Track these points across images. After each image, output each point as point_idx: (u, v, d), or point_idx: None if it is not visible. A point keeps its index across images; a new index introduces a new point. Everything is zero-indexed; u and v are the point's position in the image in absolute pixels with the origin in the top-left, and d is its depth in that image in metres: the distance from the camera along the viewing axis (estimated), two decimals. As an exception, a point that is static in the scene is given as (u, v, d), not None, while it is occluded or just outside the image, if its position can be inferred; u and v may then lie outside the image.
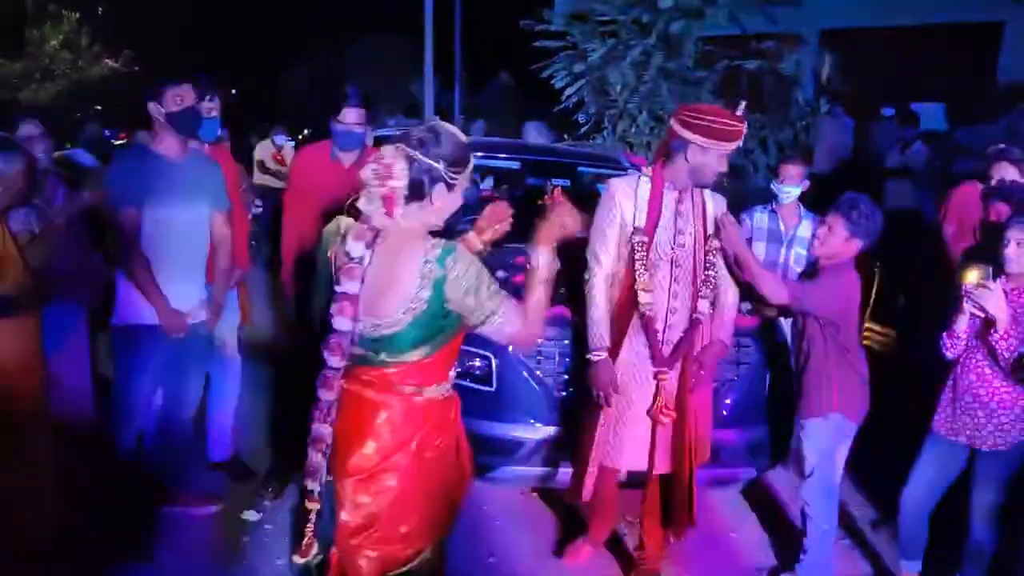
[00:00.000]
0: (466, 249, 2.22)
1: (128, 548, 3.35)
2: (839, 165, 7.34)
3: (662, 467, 3.23)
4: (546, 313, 2.33)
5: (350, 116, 3.83)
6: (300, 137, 11.42)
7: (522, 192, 5.54)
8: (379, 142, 4.19)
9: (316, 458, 2.23)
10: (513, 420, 3.64)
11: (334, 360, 2.18)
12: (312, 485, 2.25)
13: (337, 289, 2.16)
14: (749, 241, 4.42)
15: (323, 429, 2.22)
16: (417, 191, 2.15)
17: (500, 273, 2.35)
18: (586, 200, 4.88)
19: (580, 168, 5.45)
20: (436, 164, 2.15)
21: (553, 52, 7.28)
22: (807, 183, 4.57)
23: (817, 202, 4.62)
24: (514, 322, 2.22)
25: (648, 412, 3.17)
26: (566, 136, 7.77)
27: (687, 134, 2.99)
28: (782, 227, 4.58)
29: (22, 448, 2.93)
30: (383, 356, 2.21)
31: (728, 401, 3.75)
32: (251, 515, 3.79)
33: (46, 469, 3.01)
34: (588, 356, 3.17)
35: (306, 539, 2.31)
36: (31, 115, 3.22)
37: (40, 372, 3.03)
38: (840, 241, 3.25)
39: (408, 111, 13.21)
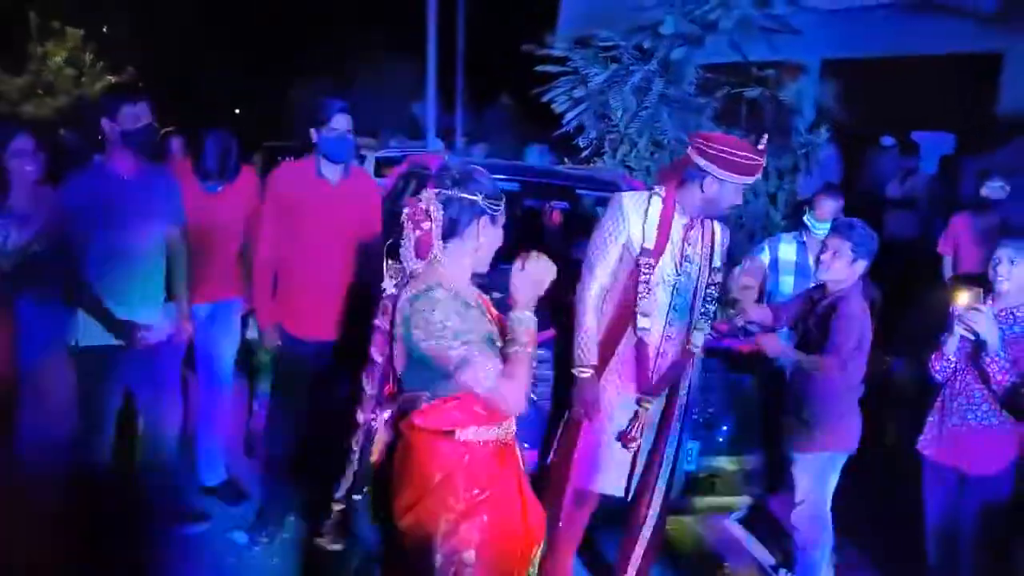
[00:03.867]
0: (444, 295, 2.07)
1: (109, 566, 3.29)
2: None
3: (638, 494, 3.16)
4: (542, 335, 2.26)
5: (342, 122, 3.56)
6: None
7: (521, 214, 5.53)
8: (381, 164, 4.15)
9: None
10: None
11: (371, 389, 2.22)
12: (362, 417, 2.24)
13: (376, 324, 2.19)
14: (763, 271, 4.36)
15: (363, 416, 2.24)
16: (455, 228, 2.14)
17: (496, 294, 2.30)
18: (586, 223, 4.90)
19: (579, 191, 5.44)
20: (475, 197, 2.14)
21: (554, 76, 7.30)
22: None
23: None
24: (483, 381, 2.04)
25: (619, 435, 3.06)
26: (566, 160, 7.77)
27: (705, 163, 2.91)
28: (811, 261, 4.25)
29: None
30: (407, 394, 2.20)
31: (724, 428, 3.72)
32: (239, 536, 3.73)
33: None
34: (573, 371, 3.07)
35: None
36: (23, 129, 3.17)
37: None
38: (845, 264, 3.28)
39: (410, 133, 13.24)
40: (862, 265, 3.30)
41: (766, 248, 4.47)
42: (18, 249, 3.06)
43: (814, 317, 3.38)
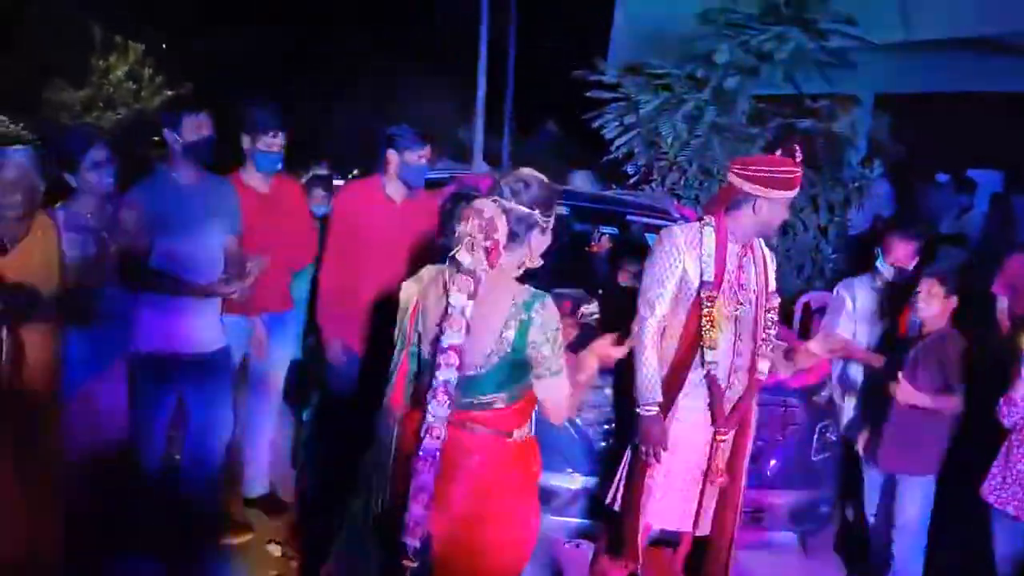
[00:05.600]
0: (553, 304, 2.29)
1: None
2: (881, 224, 7.24)
3: (704, 529, 3.12)
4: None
5: (424, 151, 3.80)
6: (350, 176, 11.59)
7: (568, 239, 5.52)
8: (429, 185, 4.22)
9: (418, 511, 2.19)
10: (551, 468, 3.56)
11: (441, 409, 2.19)
12: (413, 541, 2.19)
13: (442, 340, 2.20)
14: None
15: (427, 479, 2.19)
16: (514, 238, 2.28)
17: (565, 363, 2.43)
18: (635, 249, 4.88)
19: (628, 216, 5.42)
20: (532, 211, 2.29)
21: (604, 103, 7.32)
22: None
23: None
24: (563, 389, 2.33)
25: (703, 473, 3.04)
26: (614, 186, 7.77)
27: (751, 187, 2.93)
28: (886, 307, 4.11)
29: (27, 460, 2.89)
30: (471, 399, 2.26)
31: (773, 463, 3.66)
32: (274, 549, 3.74)
33: (48, 487, 2.97)
34: (638, 410, 3.02)
35: None
36: (100, 139, 3.23)
37: (51, 387, 3.01)
38: (940, 301, 3.49)
39: (455, 155, 13.35)
40: (954, 301, 3.51)
41: (847, 298, 4.19)
42: (92, 259, 3.12)
43: (918, 355, 3.54)
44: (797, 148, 2.99)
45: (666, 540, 3.30)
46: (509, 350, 2.24)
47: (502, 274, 2.29)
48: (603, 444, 3.58)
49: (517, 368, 2.28)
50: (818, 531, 3.94)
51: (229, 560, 3.67)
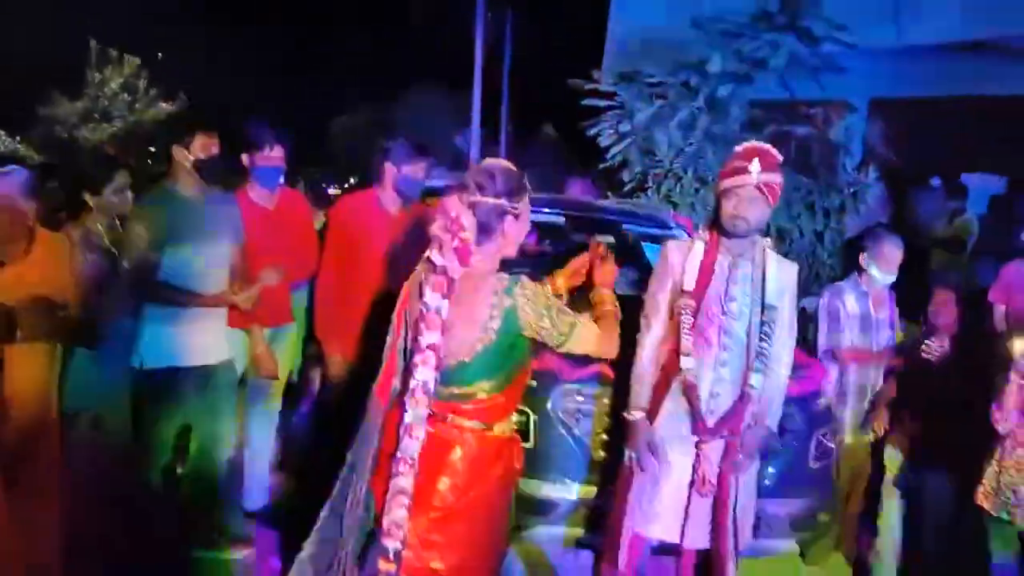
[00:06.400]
0: (530, 281, 2.32)
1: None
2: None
3: (696, 542, 3.05)
4: (586, 370, 2.60)
5: (421, 165, 3.85)
6: (347, 185, 11.62)
7: (564, 248, 5.53)
8: (425, 194, 4.25)
9: (399, 514, 2.19)
10: (549, 478, 3.58)
11: (419, 410, 2.20)
12: (392, 544, 2.19)
13: (420, 339, 2.20)
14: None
15: (406, 481, 2.19)
16: (487, 230, 2.28)
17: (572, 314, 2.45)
18: (630, 257, 4.89)
19: (624, 225, 5.43)
20: (498, 201, 2.27)
21: (600, 111, 7.35)
22: None
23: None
24: (594, 335, 2.41)
25: (689, 484, 3.01)
26: (609, 194, 7.80)
27: (719, 186, 3.01)
28: (872, 311, 4.17)
29: (27, 477, 2.90)
30: (453, 389, 2.27)
31: (771, 470, 3.66)
32: (275, 562, 3.73)
33: (51, 501, 2.98)
34: (624, 414, 3.08)
35: None
36: (123, 166, 3.28)
37: (51, 405, 3.01)
38: (952, 310, 3.75)
39: (452, 163, 13.38)
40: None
41: (841, 305, 4.18)
42: (107, 278, 3.15)
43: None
44: (752, 140, 3.03)
45: (668, 549, 3.28)
46: (494, 338, 2.25)
47: (482, 267, 2.30)
48: (601, 454, 3.58)
49: (501, 356, 2.28)
50: (817, 539, 3.94)
51: (230, 573, 3.66)
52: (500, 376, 2.31)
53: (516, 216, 2.33)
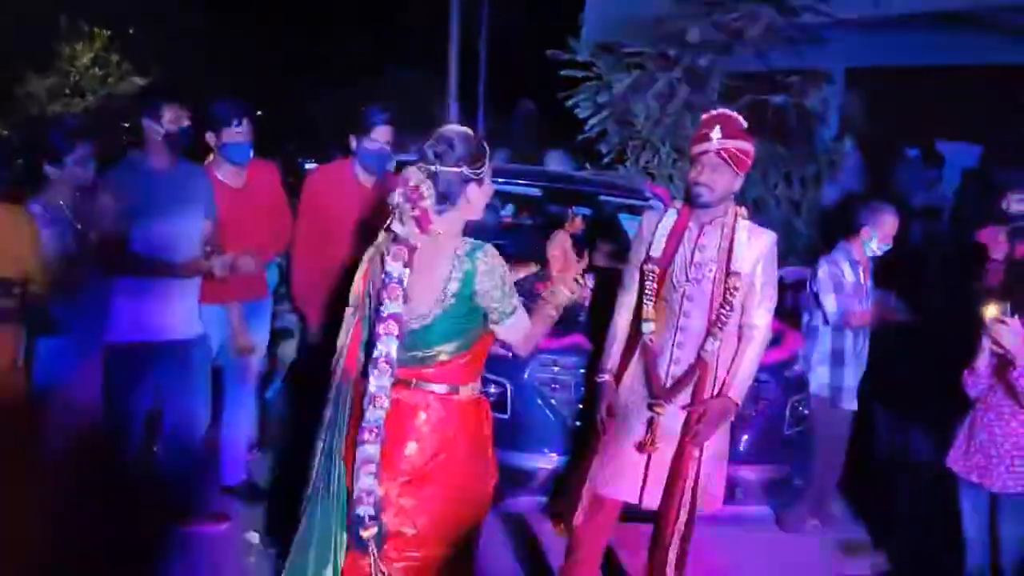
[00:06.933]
0: (495, 252, 2.33)
1: (131, 565, 3.31)
2: (853, 199, 7.30)
3: (654, 503, 3.03)
4: (563, 341, 2.44)
5: (383, 134, 3.77)
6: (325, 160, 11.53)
7: (543, 219, 5.53)
8: (402, 167, 4.21)
9: (367, 481, 2.21)
10: (527, 449, 3.60)
11: (383, 379, 2.21)
12: (365, 510, 2.21)
13: (381, 310, 2.22)
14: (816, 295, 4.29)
15: (373, 449, 2.21)
16: (448, 199, 2.29)
17: (519, 299, 2.42)
18: (607, 229, 4.89)
19: (601, 197, 5.43)
20: (459, 169, 2.28)
21: (578, 82, 7.31)
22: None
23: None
24: (523, 328, 2.40)
25: (637, 443, 3.02)
26: (587, 165, 7.78)
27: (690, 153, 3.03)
28: (863, 280, 4.25)
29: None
30: (416, 353, 2.28)
31: (745, 437, 3.70)
32: (253, 537, 3.75)
33: (26, 485, 2.95)
34: (595, 378, 3.16)
35: (372, 568, 2.24)
36: (86, 136, 3.21)
37: (17, 388, 2.98)
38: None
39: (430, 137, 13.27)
40: None
41: (839, 273, 4.20)
42: (72, 253, 3.09)
43: None
44: (731, 113, 2.98)
45: (642, 516, 3.28)
46: (453, 301, 2.26)
47: (445, 233, 2.31)
48: (578, 424, 3.60)
49: (461, 319, 2.29)
50: (791, 505, 4.00)
51: (207, 549, 3.66)
52: (461, 340, 2.32)
53: (479, 182, 2.33)
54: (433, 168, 2.27)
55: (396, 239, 2.25)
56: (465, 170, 2.29)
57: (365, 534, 2.22)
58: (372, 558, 2.23)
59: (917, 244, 6.53)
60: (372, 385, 2.21)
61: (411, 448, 2.29)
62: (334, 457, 2.35)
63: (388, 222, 2.29)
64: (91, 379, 3.58)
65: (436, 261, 2.27)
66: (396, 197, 2.26)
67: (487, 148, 2.37)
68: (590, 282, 3.98)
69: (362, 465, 2.21)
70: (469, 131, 2.36)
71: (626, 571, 3.73)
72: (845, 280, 4.18)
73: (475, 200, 2.35)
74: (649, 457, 3.01)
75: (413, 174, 2.26)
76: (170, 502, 3.65)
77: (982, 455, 3.18)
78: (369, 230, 3.64)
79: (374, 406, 2.21)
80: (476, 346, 2.36)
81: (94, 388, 3.57)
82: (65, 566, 3.00)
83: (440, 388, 2.32)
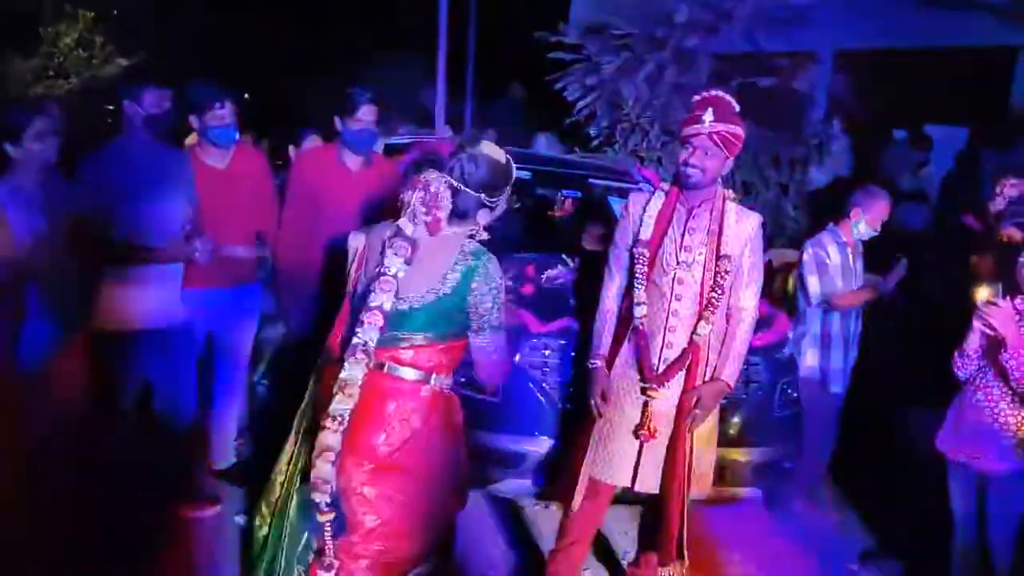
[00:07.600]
0: (497, 263, 2.36)
1: (121, 549, 3.30)
2: (842, 182, 7.31)
3: (647, 486, 3.03)
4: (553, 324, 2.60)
5: (367, 113, 3.74)
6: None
7: (532, 202, 5.51)
8: (390, 150, 4.18)
9: (325, 468, 2.18)
10: (518, 432, 3.60)
11: (357, 369, 2.20)
12: (321, 497, 2.20)
13: (370, 300, 2.23)
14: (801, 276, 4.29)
15: (333, 438, 2.18)
16: (462, 215, 2.35)
17: (508, 282, 2.42)
18: (596, 211, 4.88)
19: (591, 180, 5.42)
20: (478, 194, 2.33)
21: (566, 64, 7.28)
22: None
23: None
24: (498, 349, 2.40)
25: (632, 428, 3.03)
26: (577, 148, 7.75)
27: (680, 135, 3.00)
28: (851, 262, 4.25)
29: None
30: (395, 333, 2.28)
31: (735, 420, 3.71)
32: (242, 520, 3.74)
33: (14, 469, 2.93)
34: (587, 363, 3.14)
35: (327, 553, 2.25)
36: (45, 110, 3.11)
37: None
38: None
39: (420, 120, 13.19)
40: None
41: (826, 256, 4.20)
42: (44, 236, 3.03)
43: None
44: (724, 96, 2.94)
45: (634, 500, 3.29)
46: (448, 291, 2.28)
47: (453, 234, 2.35)
48: (569, 407, 3.60)
49: (446, 313, 2.31)
50: (781, 487, 4.01)
51: (197, 532, 3.66)
52: (440, 331, 2.33)
53: (491, 210, 2.40)
54: (457, 185, 2.31)
55: (402, 235, 2.28)
56: (483, 197, 2.35)
57: (321, 518, 2.22)
58: (329, 544, 2.23)
59: (905, 227, 6.56)
60: (345, 372, 2.19)
61: (377, 437, 2.28)
62: (307, 438, 2.37)
63: (401, 219, 2.33)
64: (73, 364, 3.59)
65: (439, 252, 2.30)
66: (412, 198, 2.29)
67: (512, 176, 2.42)
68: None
69: (320, 452, 2.18)
70: (502, 157, 2.39)
71: (615, 552, 3.75)
72: (831, 262, 4.18)
73: (482, 221, 2.40)
74: (643, 441, 3.01)
75: (435, 181, 2.30)
76: (158, 486, 3.64)
77: (971, 436, 3.20)
78: (354, 213, 3.64)
79: (343, 393, 2.18)
80: (452, 342, 2.36)
81: (77, 373, 3.57)
82: (53, 552, 2.99)
83: (412, 375, 2.32)
